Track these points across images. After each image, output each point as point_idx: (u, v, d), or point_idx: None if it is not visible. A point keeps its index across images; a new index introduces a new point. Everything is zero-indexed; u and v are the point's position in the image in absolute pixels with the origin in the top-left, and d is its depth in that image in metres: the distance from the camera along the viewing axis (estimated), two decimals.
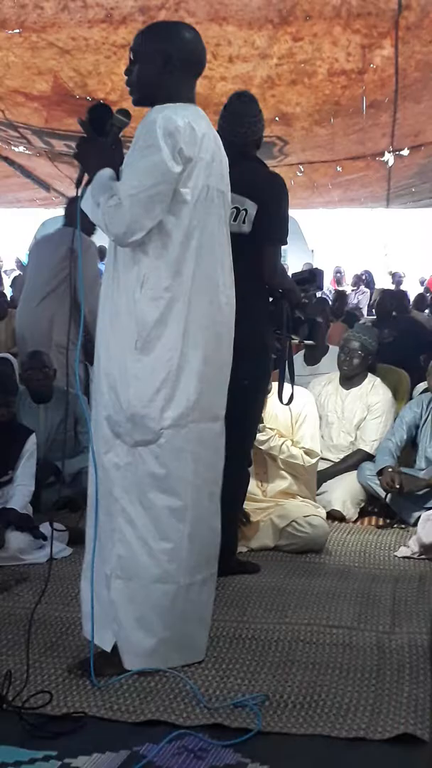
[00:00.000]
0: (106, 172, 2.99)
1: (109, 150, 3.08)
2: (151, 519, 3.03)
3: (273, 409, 4.80)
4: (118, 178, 3.00)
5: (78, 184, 3.05)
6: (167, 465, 3.03)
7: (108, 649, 3.07)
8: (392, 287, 14.97)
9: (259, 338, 3.96)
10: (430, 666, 3.15)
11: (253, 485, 4.76)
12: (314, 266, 19.38)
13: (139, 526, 3.03)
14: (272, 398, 4.83)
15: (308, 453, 4.76)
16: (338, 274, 18.28)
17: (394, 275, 16.93)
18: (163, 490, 3.04)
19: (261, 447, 4.67)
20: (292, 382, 4.44)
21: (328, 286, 17.65)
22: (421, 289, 15.88)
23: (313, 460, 4.79)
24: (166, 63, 3.02)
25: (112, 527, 3.05)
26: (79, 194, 3.04)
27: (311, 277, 4.39)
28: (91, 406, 3.21)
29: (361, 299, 15.43)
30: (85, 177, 3.05)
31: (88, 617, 3.09)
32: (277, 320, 4.06)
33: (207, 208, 3.04)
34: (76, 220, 3.05)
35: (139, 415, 2.99)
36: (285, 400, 4.32)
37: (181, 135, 2.91)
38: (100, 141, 3.08)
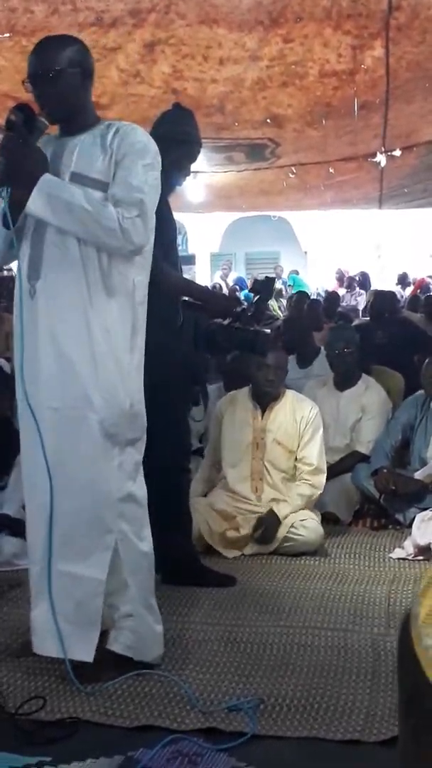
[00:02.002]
0: (52, 177, 2.99)
1: (40, 152, 3.03)
2: (139, 510, 3.13)
3: (278, 418, 4.79)
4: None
5: (1, 183, 2.97)
6: (142, 453, 3.18)
7: (90, 659, 3.03)
8: (398, 288, 14.95)
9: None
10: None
11: (248, 489, 4.76)
12: (294, 269, 19.46)
13: (134, 520, 3.10)
14: (278, 405, 4.82)
15: (316, 471, 4.76)
16: (338, 275, 18.33)
17: (402, 277, 16.90)
18: (138, 479, 3.16)
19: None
20: (206, 401, 4.46)
21: (323, 287, 17.68)
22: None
23: (322, 479, 4.80)
24: (84, 78, 3.09)
25: (107, 530, 3.04)
26: (2, 195, 2.97)
27: (261, 286, 4.37)
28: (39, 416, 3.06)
29: (359, 301, 15.45)
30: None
31: (47, 635, 3.05)
32: (185, 332, 4.01)
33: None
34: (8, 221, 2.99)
35: (136, 413, 3.10)
36: (197, 417, 4.33)
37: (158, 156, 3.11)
38: (31, 142, 3.02)
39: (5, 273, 12.22)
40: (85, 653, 3.02)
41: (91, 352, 3.00)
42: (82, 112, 3.12)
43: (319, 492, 4.79)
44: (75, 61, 3.05)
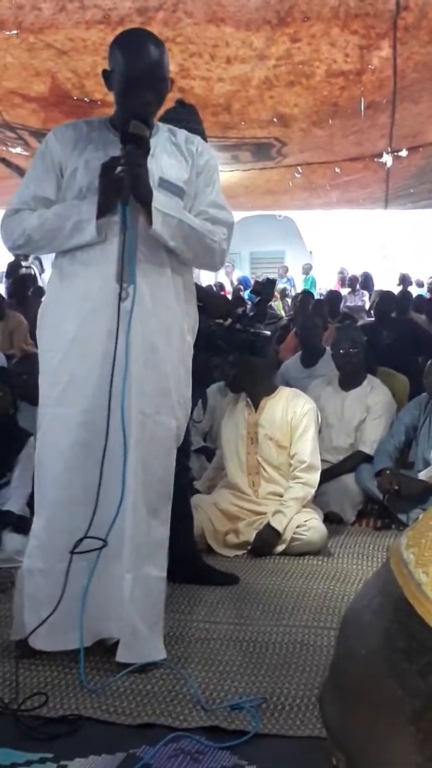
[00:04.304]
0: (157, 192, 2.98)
1: None
2: None
3: (270, 413, 4.77)
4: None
5: (125, 200, 2.92)
6: None
7: (164, 655, 3.12)
8: (399, 288, 14.89)
9: None
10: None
11: (245, 484, 4.76)
12: (310, 267, 19.45)
13: None
14: (272, 400, 4.81)
15: (308, 468, 4.71)
16: (341, 275, 18.30)
17: (403, 277, 16.83)
18: None
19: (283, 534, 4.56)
20: (204, 402, 4.47)
21: (325, 287, 17.67)
22: (419, 291, 15.83)
23: (316, 477, 4.75)
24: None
25: (165, 530, 3.18)
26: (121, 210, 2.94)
27: (262, 288, 4.37)
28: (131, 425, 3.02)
29: (365, 300, 15.42)
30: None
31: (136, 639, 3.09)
32: None
33: None
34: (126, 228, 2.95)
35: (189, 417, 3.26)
36: (197, 418, 4.34)
37: None
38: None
39: (24, 270, 12.09)
40: (162, 651, 3.12)
41: (176, 360, 3.09)
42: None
43: (313, 490, 4.74)
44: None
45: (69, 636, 3.04)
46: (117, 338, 2.92)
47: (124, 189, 2.89)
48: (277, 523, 4.49)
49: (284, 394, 4.87)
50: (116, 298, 2.96)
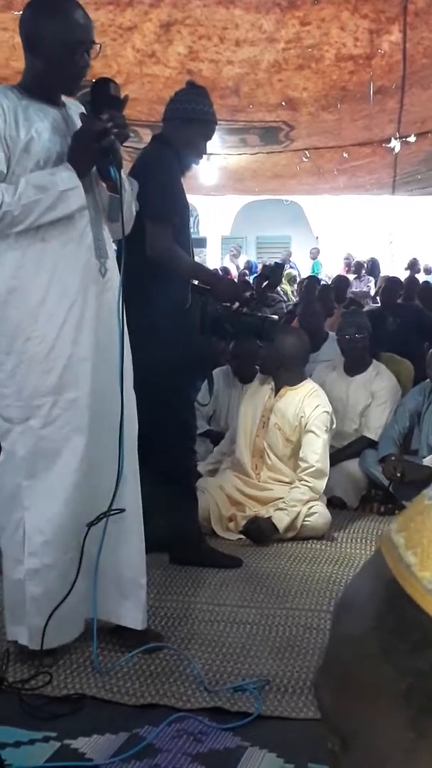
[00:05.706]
0: None
1: None
2: None
3: (285, 403, 4.77)
4: None
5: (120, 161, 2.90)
6: None
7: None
8: (407, 274, 14.81)
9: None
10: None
11: (249, 466, 4.77)
12: (318, 251, 19.39)
13: None
14: (292, 392, 4.81)
15: (316, 473, 4.66)
16: (347, 261, 18.26)
17: (413, 262, 16.71)
18: None
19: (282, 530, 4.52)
20: (210, 385, 4.47)
21: (330, 272, 17.62)
22: (427, 278, 15.76)
23: (322, 484, 4.70)
24: None
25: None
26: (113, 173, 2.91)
27: (270, 272, 4.34)
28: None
29: (370, 287, 15.38)
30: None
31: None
32: (192, 316, 3.95)
33: None
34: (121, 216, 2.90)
35: None
36: (203, 401, 4.33)
37: None
38: None
39: None
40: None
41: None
42: None
43: (317, 496, 4.69)
44: None
45: (78, 623, 3.05)
46: (119, 315, 2.87)
47: (118, 153, 2.85)
48: (278, 520, 4.47)
49: (305, 389, 4.84)
50: (98, 274, 2.93)
